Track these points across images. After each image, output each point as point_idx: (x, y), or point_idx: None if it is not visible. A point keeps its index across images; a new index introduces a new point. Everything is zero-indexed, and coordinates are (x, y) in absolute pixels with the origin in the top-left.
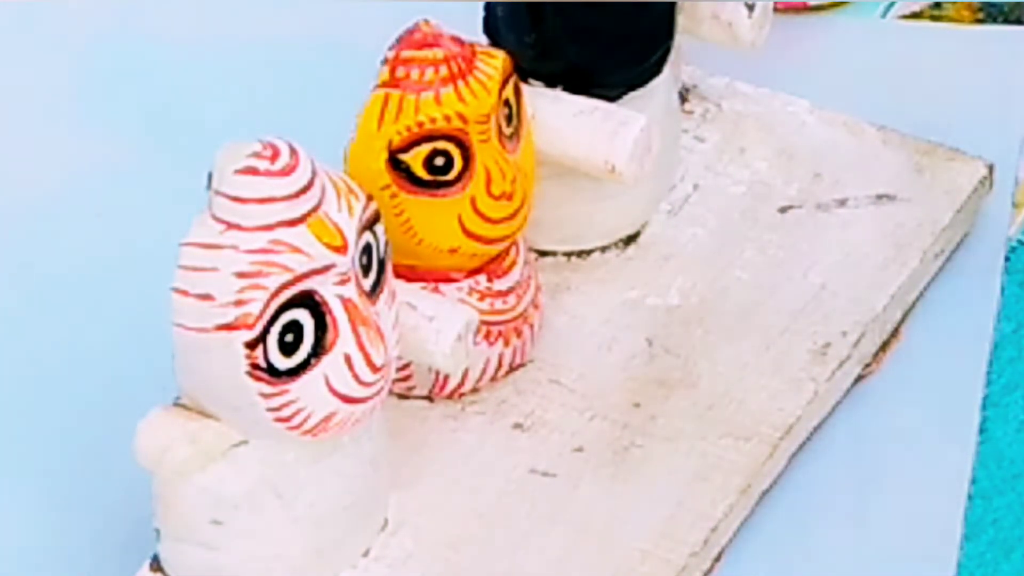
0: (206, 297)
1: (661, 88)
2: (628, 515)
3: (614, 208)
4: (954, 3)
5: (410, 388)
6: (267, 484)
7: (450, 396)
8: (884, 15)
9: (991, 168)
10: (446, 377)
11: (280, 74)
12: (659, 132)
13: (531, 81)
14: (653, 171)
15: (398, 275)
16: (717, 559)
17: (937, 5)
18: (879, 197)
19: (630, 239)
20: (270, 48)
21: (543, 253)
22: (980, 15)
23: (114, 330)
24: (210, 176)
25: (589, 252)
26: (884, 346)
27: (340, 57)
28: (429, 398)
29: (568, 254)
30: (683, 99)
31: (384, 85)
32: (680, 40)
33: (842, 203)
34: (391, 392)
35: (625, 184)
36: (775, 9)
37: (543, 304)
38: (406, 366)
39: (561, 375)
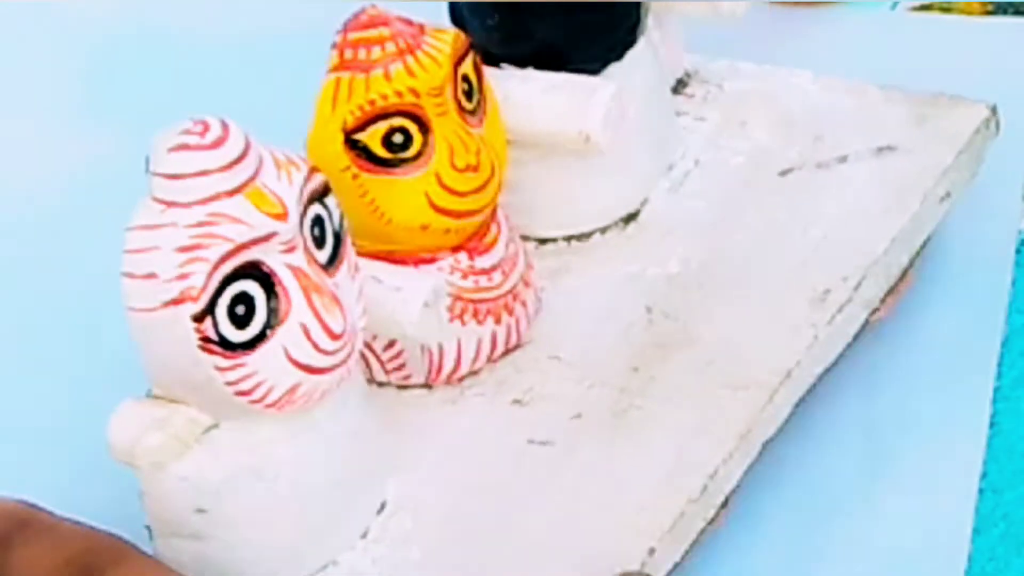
0: (151, 276)
1: (642, 61)
2: (626, 473)
3: (609, 187)
4: None
5: (407, 377)
6: (245, 467)
7: (448, 381)
8: (894, 7)
9: (993, 109)
10: (441, 361)
11: (289, 69)
12: (641, 105)
13: (503, 66)
14: (649, 147)
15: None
16: (723, 507)
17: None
18: (880, 150)
19: (630, 218)
20: (277, 44)
21: (543, 241)
22: (989, 7)
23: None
24: (147, 161)
25: (589, 234)
26: (892, 290)
27: None
28: (428, 385)
29: (568, 238)
30: (684, 84)
31: (335, 69)
32: (672, 25)
33: (843, 160)
34: (389, 383)
35: (601, 153)
36: (785, 2)
37: (541, 287)
38: (399, 354)
39: (561, 351)
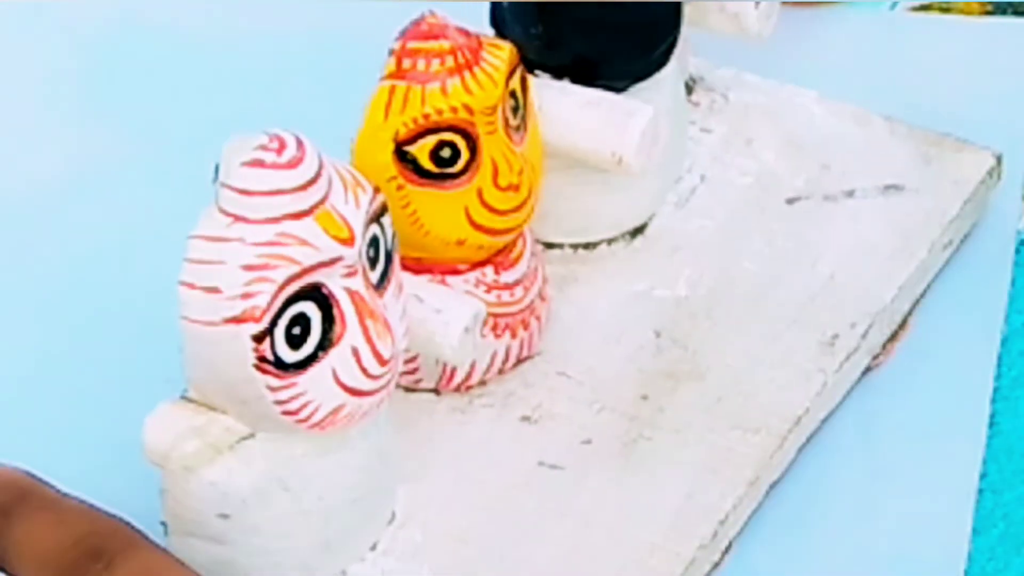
0: (213, 290)
1: (668, 79)
2: (636, 508)
3: (622, 200)
4: None
5: (417, 381)
6: (275, 478)
7: (457, 389)
8: (893, 7)
9: (999, 158)
10: (453, 370)
11: (288, 67)
12: (666, 123)
13: (537, 73)
14: (661, 162)
15: (405, 267)
16: (726, 551)
17: (946, 0)
18: (887, 188)
19: (637, 231)
20: (277, 41)
21: (550, 245)
22: (989, 7)
23: (118, 322)
24: (217, 169)
25: (596, 244)
26: (892, 337)
27: (348, 51)
28: (436, 391)
29: (575, 246)
30: (689, 90)
31: (390, 76)
32: (687, 31)
33: (850, 194)
34: (398, 385)
35: (632, 176)
36: (785, 2)
37: (550, 296)
38: (413, 359)
39: (569, 367)
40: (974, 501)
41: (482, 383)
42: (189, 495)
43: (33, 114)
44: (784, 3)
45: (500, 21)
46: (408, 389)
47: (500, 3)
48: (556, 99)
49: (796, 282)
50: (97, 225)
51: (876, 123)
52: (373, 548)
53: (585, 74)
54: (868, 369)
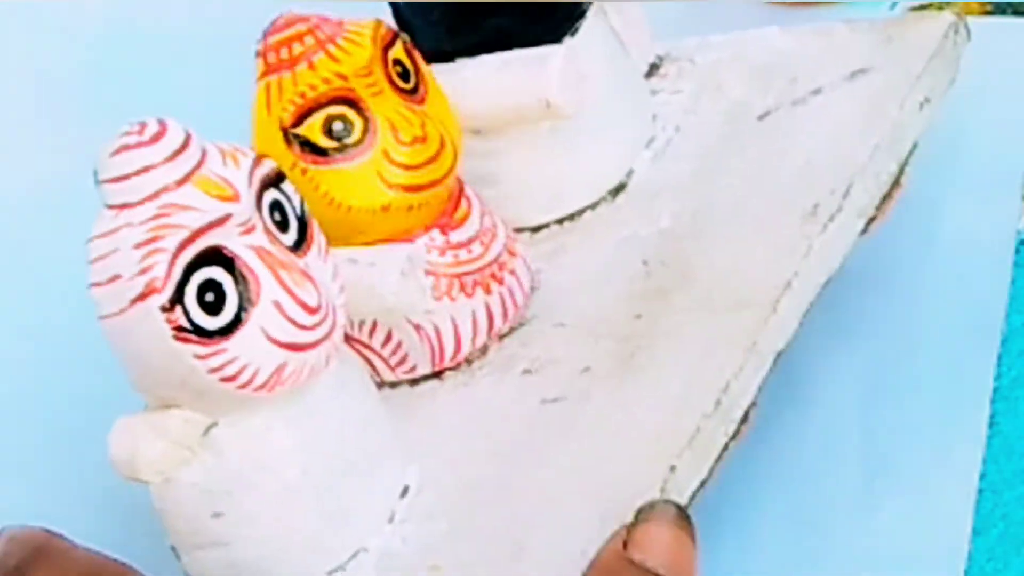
0: (114, 279)
1: (598, 33)
2: (639, 408)
3: (589, 163)
4: None
5: (412, 368)
6: (252, 461)
7: (455, 362)
8: (893, 7)
9: (959, 15)
10: (441, 343)
11: None
12: (608, 75)
13: (456, 59)
14: (620, 120)
15: None
16: (743, 421)
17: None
18: (853, 74)
19: (618, 190)
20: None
21: (536, 228)
22: (988, 7)
23: None
24: (95, 174)
25: (580, 212)
26: (886, 197)
27: None
28: (438, 376)
29: (560, 220)
30: (657, 67)
31: (263, 76)
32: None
33: (817, 92)
34: (402, 383)
35: (567, 115)
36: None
37: (524, 255)
38: (398, 346)
39: (565, 318)
40: (974, 501)
41: (482, 354)
42: (178, 504)
43: (32, 116)
44: (784, 3)
45: (403, 19)
46: (412, 383)
47: (397, 7)
48: (472, 72)
49: (774, 178)
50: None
51: (838, 29)
52: (390, 520)
53: (503, 47)
54: (866, 231)
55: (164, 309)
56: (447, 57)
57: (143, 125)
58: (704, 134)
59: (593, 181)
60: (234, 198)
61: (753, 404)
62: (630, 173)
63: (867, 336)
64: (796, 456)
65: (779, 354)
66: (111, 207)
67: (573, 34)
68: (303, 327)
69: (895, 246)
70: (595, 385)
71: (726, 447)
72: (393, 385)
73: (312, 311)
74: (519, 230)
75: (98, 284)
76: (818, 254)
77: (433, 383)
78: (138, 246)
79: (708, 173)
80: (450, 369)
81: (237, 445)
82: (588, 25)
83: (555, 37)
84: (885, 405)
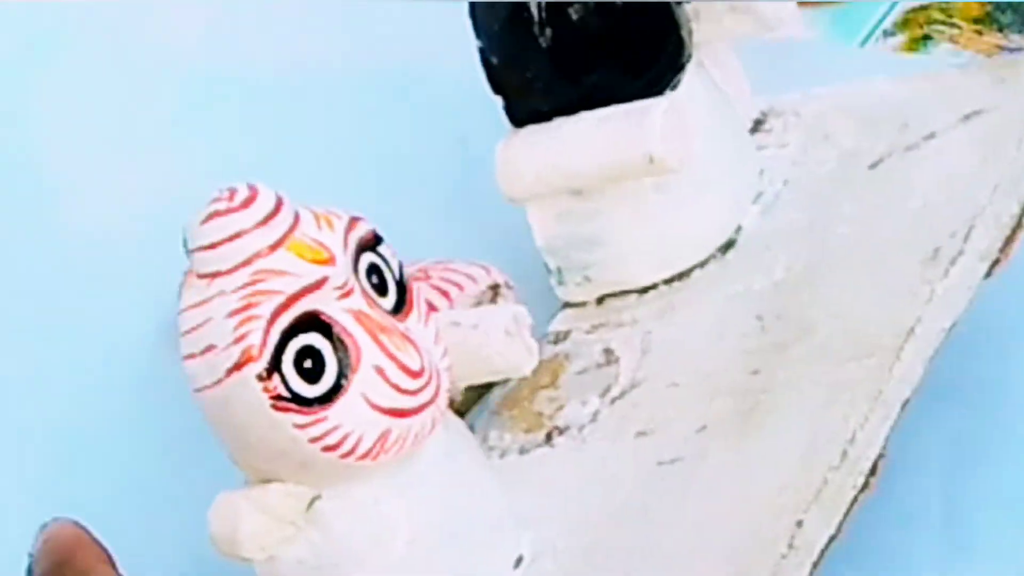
0: (209, 349)
1: (699, 86)
2: (760, 463)
3: (697, 220)
4: None
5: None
6: (358, 534)
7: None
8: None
9: None
10: None
11: (375, 104)
12: (711, 128)
13: (555, 119)
14: (728, 176)
15: None
16: (871, 473)
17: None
18: (966, 117)
19: (727, 246)
20: (362, 79)
21: (644, 290)
22: (988, 7)
23: None
24: (184, 243)
25: (688, 271)
26: (1009, 238)
27: (434, 87)
28: (549, 443)
29: (668, 280)
30: (761, 123)
31: None
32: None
33: (931, 136)
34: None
35: (671, 169)
36: None
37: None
38: None
39: (678, 378)
40: None
41: (593, 417)
42: None
43: (111, 147)
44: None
45: (497, 83)
46: (521, 451)
47: (490, 62)
48: (571, 130)
49: (890, 223)
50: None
51: (947, 74)
52: None
53: (599, 104)
54: (989, 275)
55: (261, 378)
56: (544, 117)
57: (233, 190)
58: (814, 184)
59: (701, 239)
60: (330, 261)
61: (881, 455)
62: (739, 229)
63: (965, 390)
64: (872, 520)
65: (906, 402)
66: (202, 276)
67: (674, 88)
68: (406, 392)
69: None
70: (712, 443)
71: (855, 500)
72: (502, 454)
73: (415, 375)
74: (625, 292)
75: (192, 356)
76: (941, 299)
77: (544, 449)
78: (232, 314)
79: (821, 222)
80: (559, 435)
81: (343, 518)
82: (689, 78)
83: (655, 92)
84: (968, 476)
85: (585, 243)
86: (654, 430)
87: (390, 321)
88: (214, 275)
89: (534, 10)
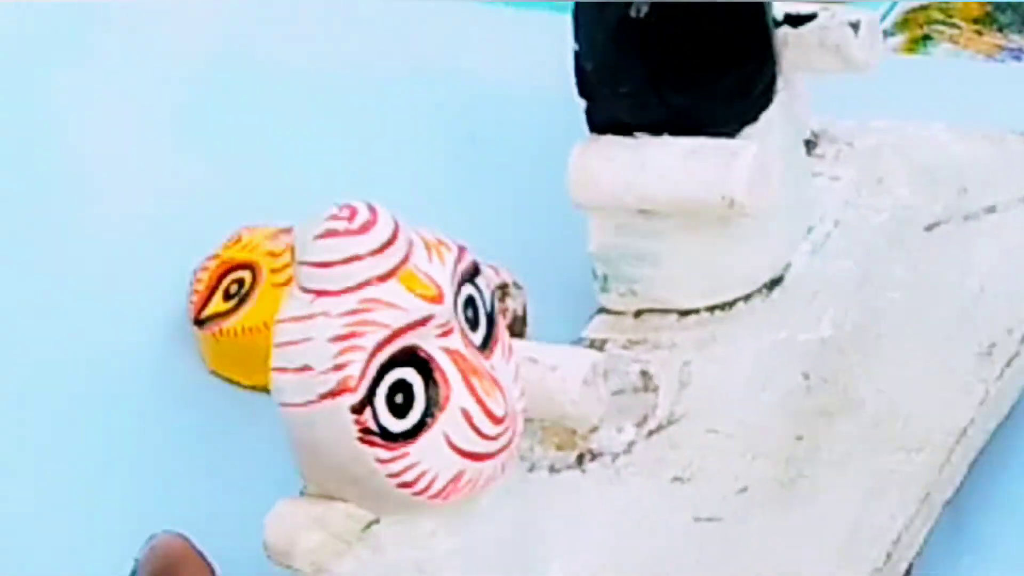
0: (305, 369)
1: (776, 123)
2: (802, 544)
3: (751, 253)
4: None
5: None
6: (408, 562)
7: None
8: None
9: None
10: None
11: (383, 100)
12: (780, 166)
13: (637, 135)
14: (785, 210)
15: None
16: (907, 573)
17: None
18: None
19: (774, 283)
20: (373, 76)
21: (685, 312)
22: (988, 7)
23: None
24: (292, 250)
25: (732, 303)
26: None
27: (445, 84)
28: (580, 467)
29: (711, 308)
30: (813, 145)
31: None
32: (794, 78)
33: (991, 210)
34: (540, 467)
35: (748, 216)
36: None
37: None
38: None
39: (717, 423)
40: None
41: (628, 449)
42: None
43: (131, 145)
44: None
45: (587, 88)
46: (552, 469)
47: (583, 68)
48: (657, 154)
49: (945, 302)
50: (190, 254)
51: (1010, 140)
52: None
53: (685, 127)
54: None
55: (354, 410)
56: (625, 130)
57: (352, 211)
58: (866, 234)
59: (750, 272)
60: (437, 299)
61: (918, 554)
62: (787, 267)
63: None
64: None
65: (947, 502)
66: (306, 290)
67: (754, 122)
68: (487, 437)
69: None
70: (753, 510)
71: None
72: (531, 467)
73: (498, 421)
74: (666, 311)
75: (284, 370)
76: (994, 400)
77: (575, 473)
78: (334, 340)
79: (871, 280)
80: (592, 460)
81: (397, 545)
82: (771, 113)
83: (738, 124)
84: None
85: (637, 258)
86: (692, 478)
87: (482, 363)
88: (319, 293)
89: (641, 27)
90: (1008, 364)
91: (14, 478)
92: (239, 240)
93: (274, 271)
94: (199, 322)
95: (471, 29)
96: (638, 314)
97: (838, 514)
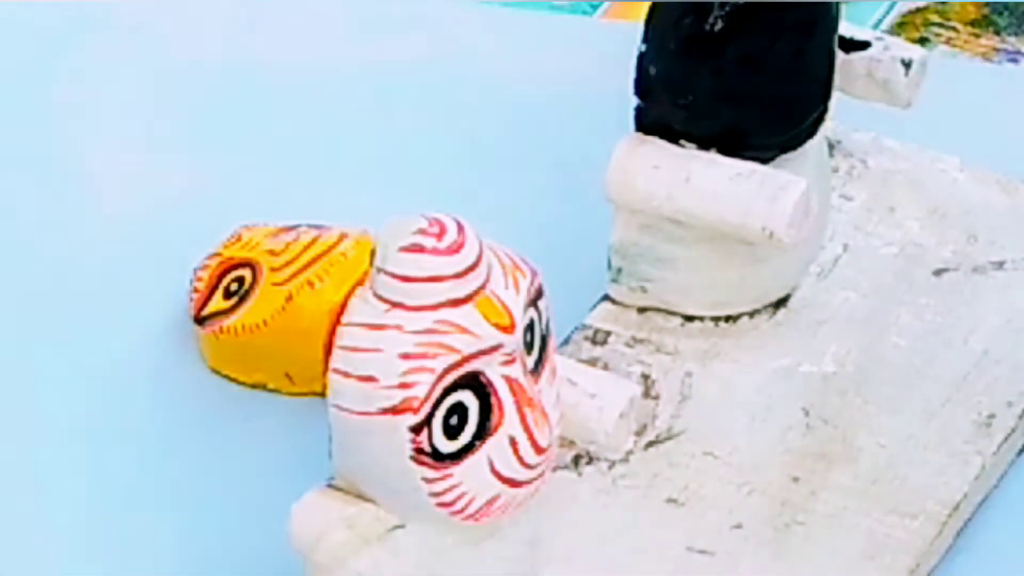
0: (369, 379)
1: (813, 150)
2: None
3: (765, 272)
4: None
5: None
6: (424, 569)
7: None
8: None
9: None
10: None
11: (394, 101)
12: (815, 195)
13: (683, 143)
14: (807, 235)
15: None
16: None
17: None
18: None
19: (779, 303)
20: (384, 77)
21: (690, 318)
22: (985, 8)
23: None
24: (372, 254)
25: (737, 317)
26: None
27: (456, 85)
28: (576, 469)
29: (716, 319)
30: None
31: None
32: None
33: (999, 266)
34: None
35: (783, 249)
36: None
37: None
38: None
39: (715, 447)
40: None
41: (626, 458)
42: None
43: (131, 145)
44: None
45: (646, 90)
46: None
47: (646, 71)
48: (705, 171)
49: (948, 359)
50: (190, 252)
51: (1023, 190)
52: None
53: (732, 144)
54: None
55: (413, 429)
56: (672, 134)
57: (442, 228)
58: (874, 267)
59: (760, 290)
60: (509, 329)
61: None
62: (794, 288)
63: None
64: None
65: (932, 569)
66: (382, 299)
67: (794, 149)
68: (528, 466)
69: None
70: (746, 549)
71: None
72: None
73: (541, 452)
74: (672, 313)
75: (346, 374)
76: (987, 474)
77: (570, 475)
78: (405, 357)
79: (877, 320)
80: (588, 463)
81: (417, 552)
82: (813, 142)
83: (781, 146)
84: None
85: (657, 260)
86: (687, 502)
87: (536, 394)
88: (395, 305)
89: (714, 43)
90: (1005, 440)
91: (13, 477)
92: (239, 239)
93: (274, 270)
94: (199, 320)
95: (471, 29)
96: (642, 310)
97: (829, 572)
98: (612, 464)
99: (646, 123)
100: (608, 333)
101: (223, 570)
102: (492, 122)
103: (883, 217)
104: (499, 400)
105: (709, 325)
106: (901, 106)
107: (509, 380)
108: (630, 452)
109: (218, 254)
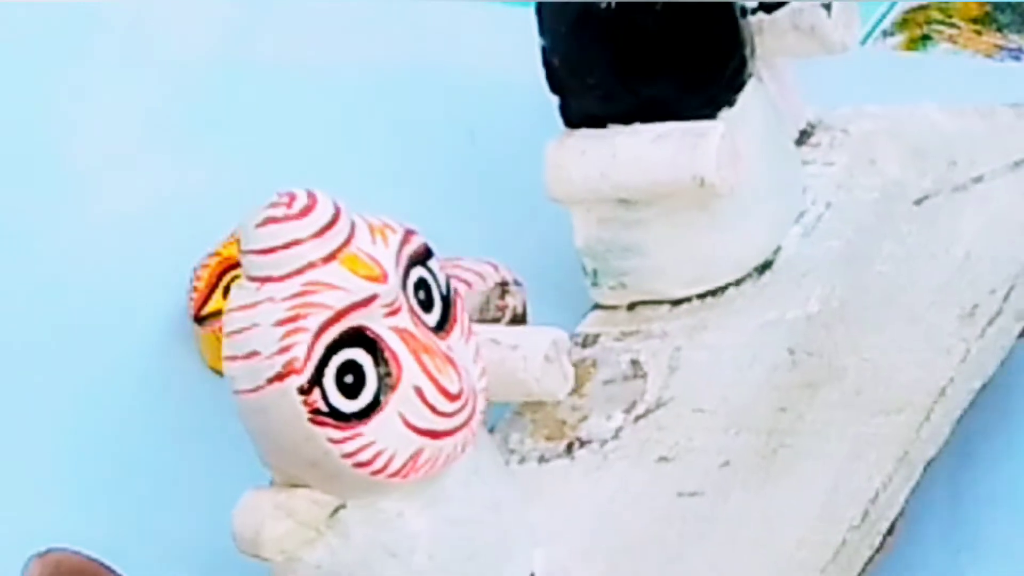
0: (252, 355)
1: (755, 106)
2: (781, 511)
3: (738, 238)
4: None
5: None
6: (378, 545)
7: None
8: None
9: None
10: None
11: (384, 101)
12: (762, 149)
13: (609, 125)
14: (771, 195)
15: None
16: (889, 533)
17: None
18: (1016, 163)
19: (764, 267)
20: (374, 76)
21: (676, 302)
22: (987, 7)
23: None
24: (238, 244)
25: (723, 288)
26: None
27: (447, 82)
28: (569, 455)
29: (702, 295)
30: (809, 135)
31: None
32: (788, 74)
33: (979, 180)
34: (530, 458)
35: (720, 195)
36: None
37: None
38: None
39: (704, 403)
40: None
41: (616, 434)
42: None
43: (133, 144)
44: None
45: (557, 84)
46: (541, 459)
47: (551, 63)
48: (627, 141)
49: (931, 270)
50: (190, 251)
51: (1000, 111)
52: None
53: (658, 116)
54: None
55: (302, 391)
56: (598, 123)
57: (292, 197)
58: (857, 212)
59: (740, 257)
60: (381, 278)
61: (900, 515)
62: (778, 250)
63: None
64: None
65: (929, 462)
66: (253, 279)
67: (730, 105)
68: (443, 414)
69: None
70: (735, 482)
71: (871, 560)
72: (521, 459)
73: (453, 398)
74: (658, 302)
75: (234, 358)
76: (975, 359)
77: (564, 461)
78: (279, 323)
79: (860, 256)
80: (581, 447)
81: (364, 528)
82: (745, 96)
83: (712, 109)
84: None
85: (624, 250)
86: (676, 457)
87: (433, 341)
88: (265, 280)
89: (603, 17)
90: (990, 323)
91: (13, 476)
92: (239, 238)
93: None
94: (199, 320)
95: (471, 29)
96: (631, 307)
97: (816, 479)
98: (604, 442)
99: (571, 118)
100: (597, 335)
101: (223, 569)
102: (492, 122)
103: (864, 170)
104: (392, 351)
105: (697, 304)
106: (838, 51)
107: (398, 331)
108: (620, 428)
109: (217, 253)
